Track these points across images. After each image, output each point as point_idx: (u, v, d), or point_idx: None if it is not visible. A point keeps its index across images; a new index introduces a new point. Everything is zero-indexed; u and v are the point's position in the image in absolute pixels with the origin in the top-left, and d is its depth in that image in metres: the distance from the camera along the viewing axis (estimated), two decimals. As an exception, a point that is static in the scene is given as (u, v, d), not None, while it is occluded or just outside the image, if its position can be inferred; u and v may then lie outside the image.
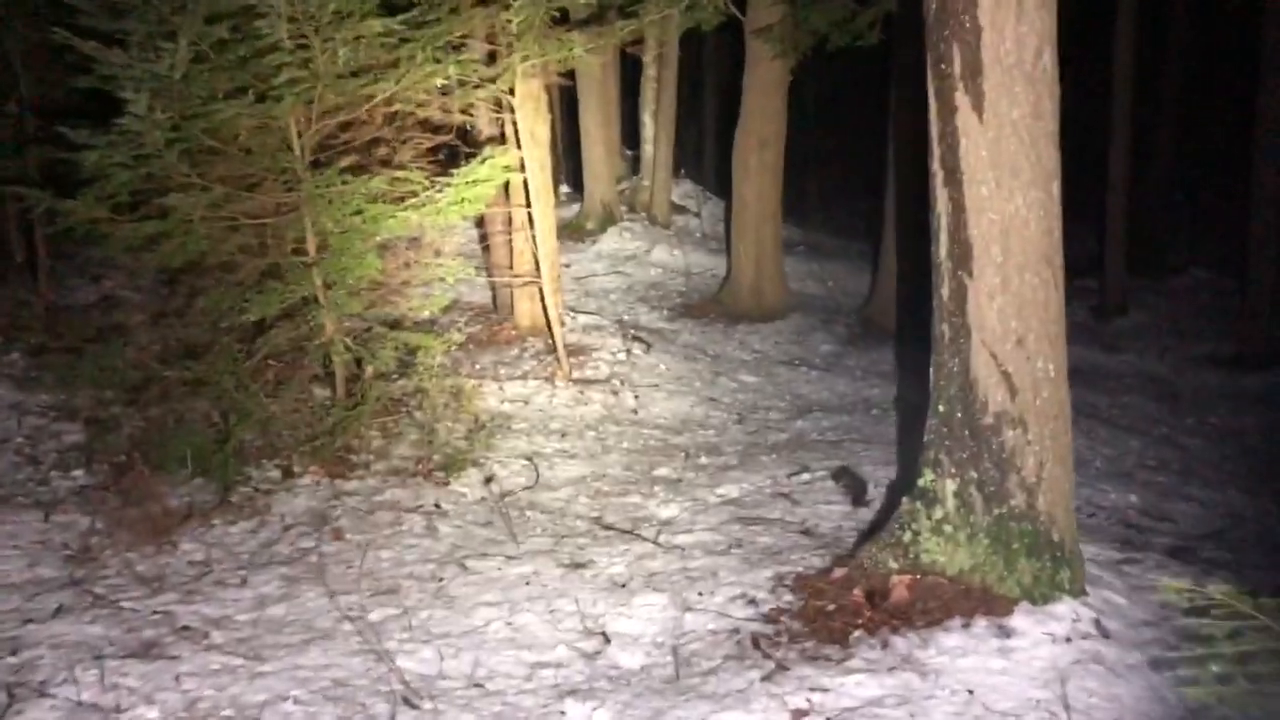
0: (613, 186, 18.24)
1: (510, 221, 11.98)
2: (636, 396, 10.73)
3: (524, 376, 10.95)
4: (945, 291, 5.72)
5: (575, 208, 18.72)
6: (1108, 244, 16.15)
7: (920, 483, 5.96)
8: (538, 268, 10.98)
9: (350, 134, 8.45)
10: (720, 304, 14.48)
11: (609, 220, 17.93)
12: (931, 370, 5.95)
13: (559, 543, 7.17)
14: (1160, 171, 20.60)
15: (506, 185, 12.16)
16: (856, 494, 7.96)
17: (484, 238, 13.49)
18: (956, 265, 5.62)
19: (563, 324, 12.27)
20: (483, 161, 8.26)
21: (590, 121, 17.78)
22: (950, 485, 5.78)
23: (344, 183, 7.90)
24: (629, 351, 11.87)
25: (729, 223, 16.43)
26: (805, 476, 8.44)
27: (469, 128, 10.21)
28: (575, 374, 11.01)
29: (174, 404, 8.11)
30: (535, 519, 7.66)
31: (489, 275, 13.33)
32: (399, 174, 8.20)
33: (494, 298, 13.25)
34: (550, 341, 11.15)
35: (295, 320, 8.16)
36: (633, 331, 12.61)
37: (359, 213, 7.84)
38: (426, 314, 8.92)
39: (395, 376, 8.43)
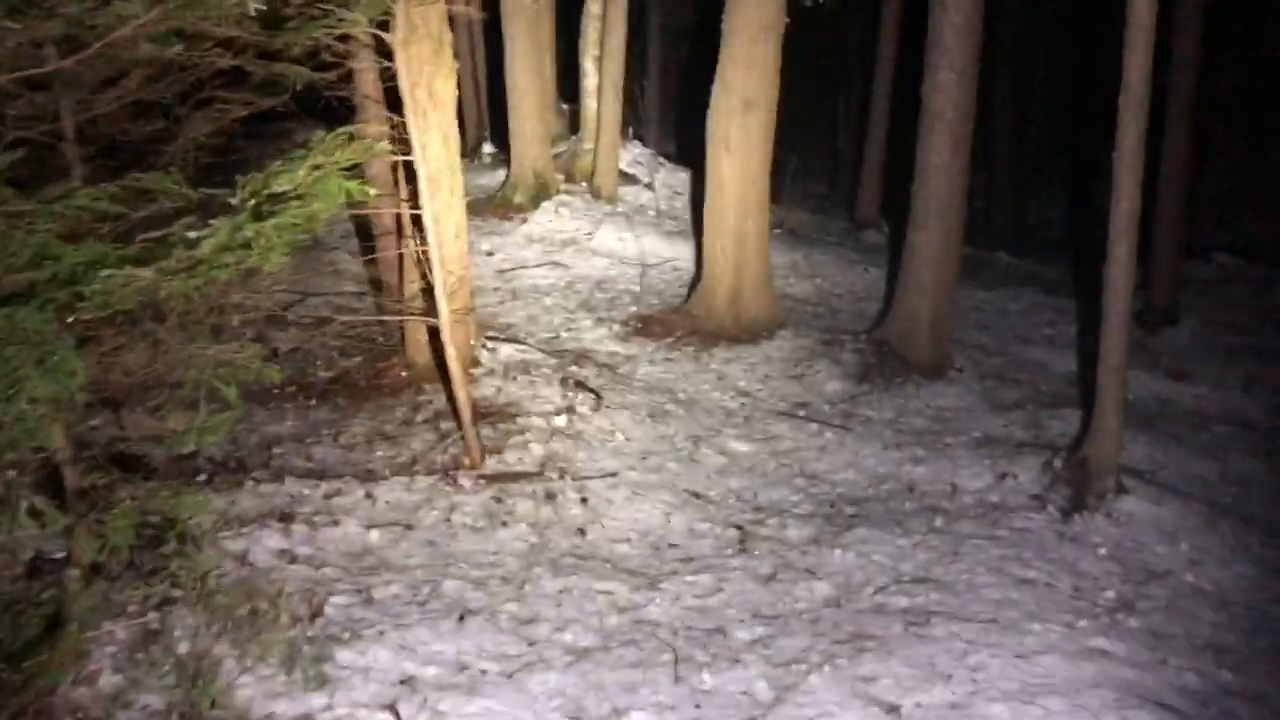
0: (547, 150, 13.94)
1: (400, 225, 7.79)
2: (584, 500, 6.65)
3: (409, 468, 6.81)
4: None
5: (500, 175, 14.46)
6: (1158, 240, 12.27)
7: None
8: (431, 294, 6.83)
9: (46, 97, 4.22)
10: (689, 316, 10.39)
11: (542, 192, 13.69)
12: None
13: None
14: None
15: (397, 169, 7.96)
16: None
17: (364, 238, 9.28)
18: None
19: (473, 369, 8.11)
20: (304, 159, 4.01)
21: (519, 69, 13.43)
22: None
23: (19, 200, 3.71)
24: (571, 410, 7.76)
25: (696, 201, 12.32)
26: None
27: (318, 86, 5.93)
28: (491, 461, 6.92)
29: None
30: None
31: (375, 297, 9.14)
32: (142, 180, 3.97)
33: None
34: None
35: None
36: (575, 372, 8.47)
37: (42, 263, 3.67)
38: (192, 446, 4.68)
39: (138, 568, 4.30)
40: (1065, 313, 12.57)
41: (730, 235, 10.21)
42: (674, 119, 20.25)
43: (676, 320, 10.36)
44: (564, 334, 9.97)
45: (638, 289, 11.46)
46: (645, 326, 10.25)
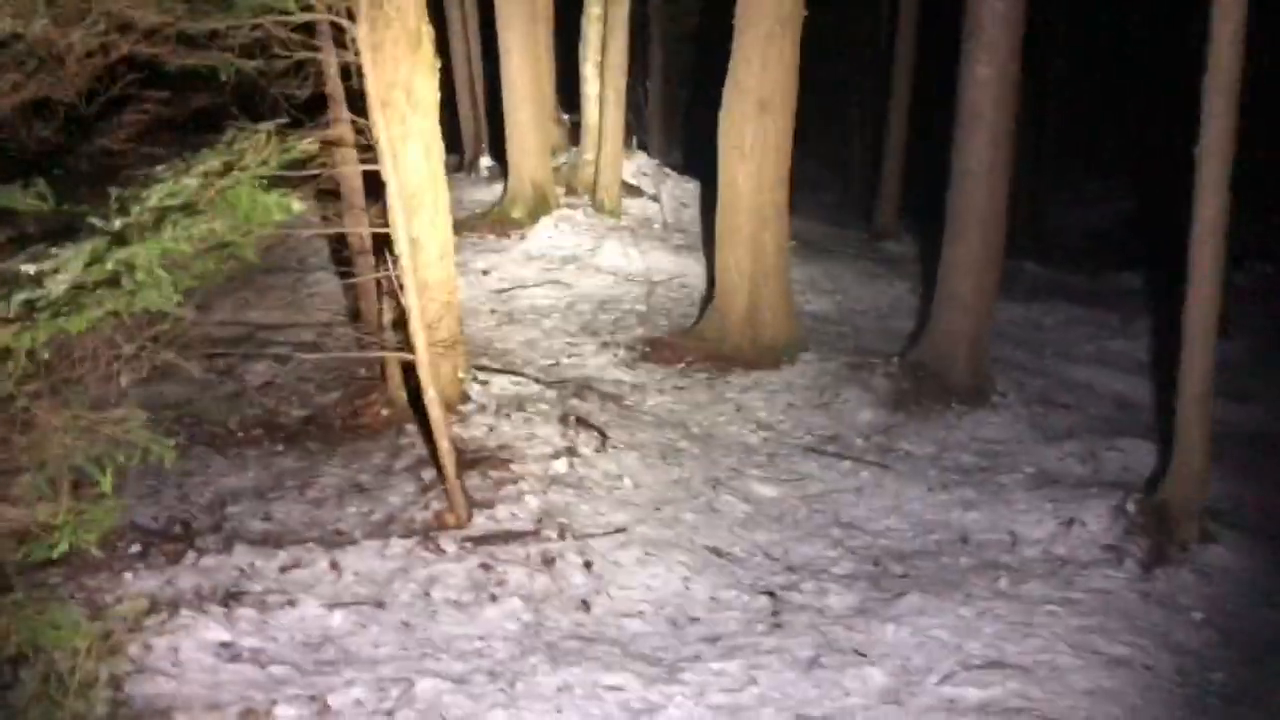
0: (546, 162, 12.91)
1: (376, 250, 6.74)
2: (588, 564, 5.59)
3: (384, 528, 5.74)
4: None
5: (499, 189, 13.43)
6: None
7: None
8: (406, 328, 5.77)
9: None
10: (701, 339, 9.35)
11: (541, 207, 12.66)
12: None
13: None
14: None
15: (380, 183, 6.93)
16: None
17: (342, 260, 8.27)
18: None
19: (462, 405, 7.08)
20: (199, 161, 2.95)
21: (516, 73, 12.41)
22: None
23: None
24: (572, 453, 6.71)
25: (707, 213, 11.31)
26: None
27: (260, 76, 4.84)
28: (479, 517, 5.86)
29: None
30: None
31: (353, 326, 8.13)
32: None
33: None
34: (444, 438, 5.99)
35: None
36: (577, 407, 7.42)
37: None
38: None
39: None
40: (1105, 327, 11.50)
41: (745, 248, 9.17)
42: (680, 127, 19.22)
43: (687, 343, 9.30)
44: (565, 360, 8.93)
45: (644, 309, 10.41)
46: (654, 351, 9.20)
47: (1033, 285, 13.36)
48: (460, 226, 12.75)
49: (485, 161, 14.71)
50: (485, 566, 5.37)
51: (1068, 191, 20.69)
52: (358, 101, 5.62)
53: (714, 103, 9.21)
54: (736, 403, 8.32)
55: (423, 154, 6.73)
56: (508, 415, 7.00)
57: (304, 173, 4.32)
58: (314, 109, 6.49)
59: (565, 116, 14.56)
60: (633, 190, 13.71)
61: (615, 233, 12.38)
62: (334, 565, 5.24)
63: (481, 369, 7.72)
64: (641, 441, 7.17)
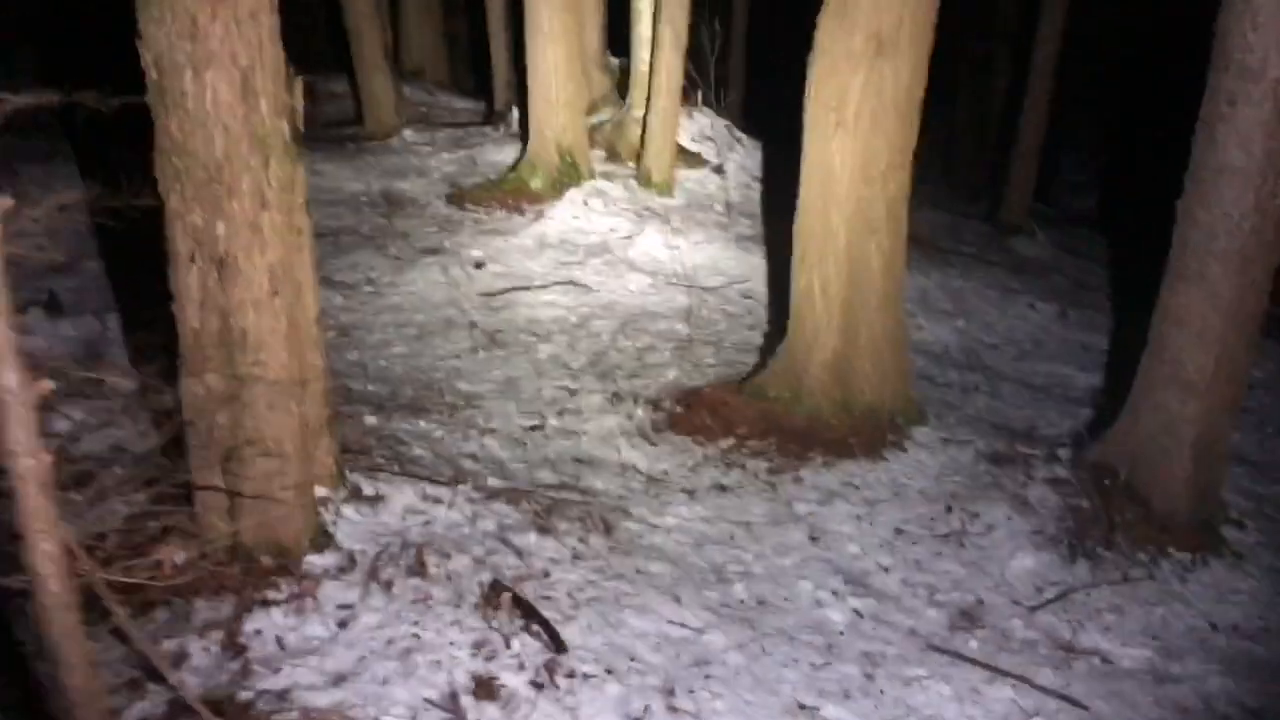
0: (579, 119, 9.37)
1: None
2: None
3: None
4: None
5: (515, 151, 10.02)
6: None
7: None
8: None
9: None
10: (762, 397, 5.83)
11: (569, 175, 9.18)
12: None
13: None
14: None
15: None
16: None
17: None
18: None
19: (311, 555, 3.67)
20: None
21: (540, 3, 8.95)
22: None
23: None
24: (488, 693, 3.33)
25: (772, 190, 7.82)
26: None
27: None
28: None
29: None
30: None
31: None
32: None
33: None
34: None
35: None
36: (521, 569, 3.96)
37: None
38: None
39: None
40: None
41: (839, 265, 5.61)
42: (762, 80, 15.15)
43: (741, 403, 5.79)
44: (552, 423, 5.52)
45: (685, 332, 6.93)
46: (688, 413, 5.72)
47: None
48: (464, 197, 9.39)
49: (516, 115, 11.23)
50: None
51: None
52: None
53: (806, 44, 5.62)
54: (810, 525, 4.82)
55: (236, 94, 3.36)
56: (386, 586, 3.61)
57: None
58: None
59: (615, 61, 10.99)
60: (692, 159, 10.15)
61: (660, 215, 8.88)
62: None
63: (375, 470, 4.31)
64: (633, 637, 3.73)
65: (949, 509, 5.01)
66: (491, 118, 11.81)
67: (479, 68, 13.32)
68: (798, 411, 5.69)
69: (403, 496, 4.06)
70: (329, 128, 11.44)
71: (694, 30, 9.48)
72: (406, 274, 7.58)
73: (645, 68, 9.59)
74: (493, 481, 4.62)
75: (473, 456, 4.98)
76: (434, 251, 8.00)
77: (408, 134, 10.78)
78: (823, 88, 5.42)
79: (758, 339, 6.98)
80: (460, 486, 4.31)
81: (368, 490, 4.00)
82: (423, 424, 5.28)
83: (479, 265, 7.83)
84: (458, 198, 9.13)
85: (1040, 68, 10.11)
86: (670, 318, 7.20)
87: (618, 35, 10.40)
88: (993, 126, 14.68)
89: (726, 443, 5.48)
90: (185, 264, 3.42)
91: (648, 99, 9.44)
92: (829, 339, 5.70)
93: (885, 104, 5.32)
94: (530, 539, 4.10)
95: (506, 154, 10.17)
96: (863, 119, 5.33)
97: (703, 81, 10.42)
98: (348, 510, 3.84)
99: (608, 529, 4.37)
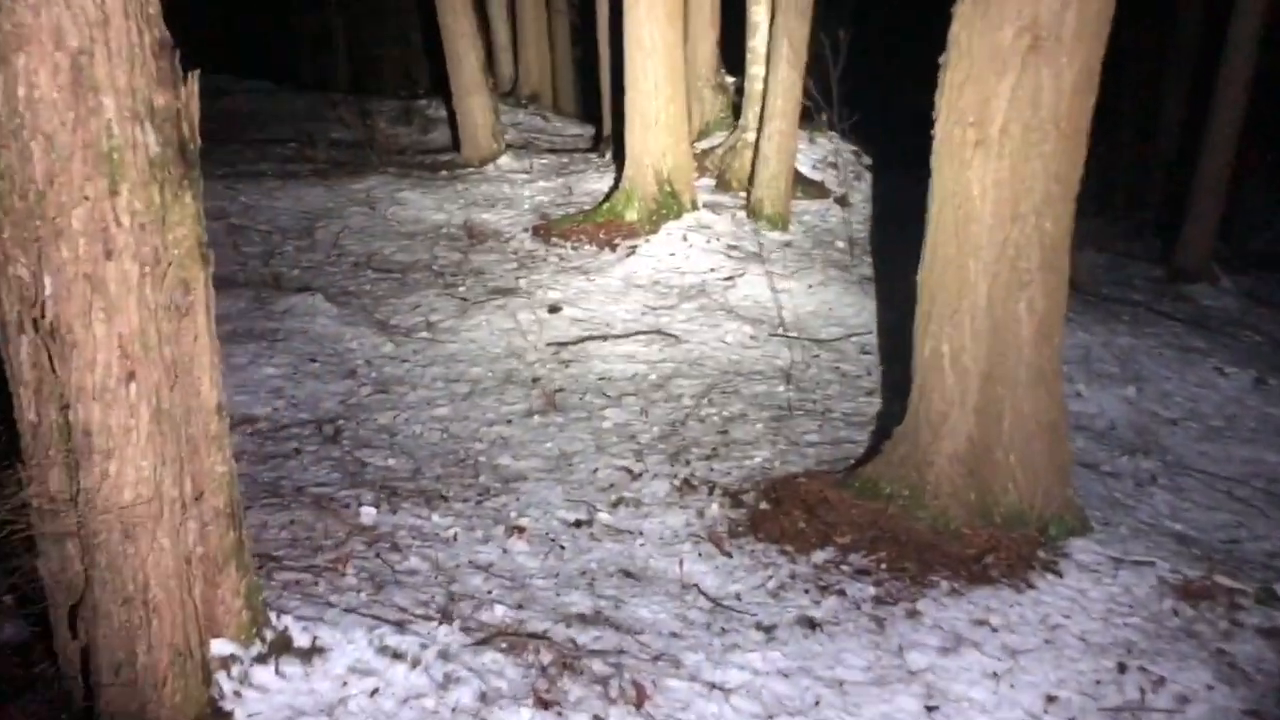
0: (682, 143, 8.14)
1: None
2: None
3: None
4: None
5: (609, 180, 8.90)
6: None
7: None
8: None
9: None
10: (873, 494, 4.46)
11: (669, 206, 8.00)
12: None
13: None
14: None
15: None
16: None
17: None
18: None
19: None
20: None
21: (640, 13, 7.80)
22: None
23: None
24: None
25: (884, 223, 6.50)
26: None
27: None
28: None
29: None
30: None
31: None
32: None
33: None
34: None
35: None
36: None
37: None
38: None
39: None
40: None
41: (977, 325, 4.22)
42: (893, 101, 13.63)
43: (845, 501, 4.44)
44: (602, 516, 4.31)
45: (785, 397, 5.62)
46: (776, 512, 4.40)
47: None
48: (550, 230, 8.30)
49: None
50: None
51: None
52: None
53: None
54: (928, 688, 3.44)
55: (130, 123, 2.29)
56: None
57: None
58: None
59: (731, 80, 9.77)
60: (811, 188, 8.83)
61: (771, 252, 7.60)
62: None
63: (326, 605, 3.14)
64: None
65: (1122, 668, 3.55)
66: (598, 144, 10.76)
67: (595, 91, 12.29)
68: (919, 516, 4.31)
69: (351, 648, 2.90)
70: (424, 154, 10.59)
71: (813, 40, 8.17)
72: (471, 318, 6.52)
73: (760, 86, 8.35)
74: (496, 612, 3.42)
75: (487, 569, 3.80)
76: (506, 292, 6.93)
77: (504, 161, 9.79)
78: (959, 97, 4.07)
79: (872, 402, 5.62)
80: (442, 627, 3.12)
81: (301, 640, 2.85)
82: (436, 518, 4.14)
83: (554, 309, 6.71)
84: (543, 231, 8.05)
85: (1228, 86, 8.36)
86: (770, 378, 5.90)
87: (736, 51, 9.17)
88: (1166, 144, 12.75)
89: (822, 555, 4.14)
90: (15, 333, 2.35)
91: (760, 121, 8.19)
92: (962, 423, 4.30)
93: (1042, 117, 3.93)
94: (522, 719, 2.87)
95: (606, 182, 9.08)
96: (1011, 137, 3.95)
97: (825, 102, 9.08)
98: (261, 674, 2.70)
99: (640, 698, 3.11)
